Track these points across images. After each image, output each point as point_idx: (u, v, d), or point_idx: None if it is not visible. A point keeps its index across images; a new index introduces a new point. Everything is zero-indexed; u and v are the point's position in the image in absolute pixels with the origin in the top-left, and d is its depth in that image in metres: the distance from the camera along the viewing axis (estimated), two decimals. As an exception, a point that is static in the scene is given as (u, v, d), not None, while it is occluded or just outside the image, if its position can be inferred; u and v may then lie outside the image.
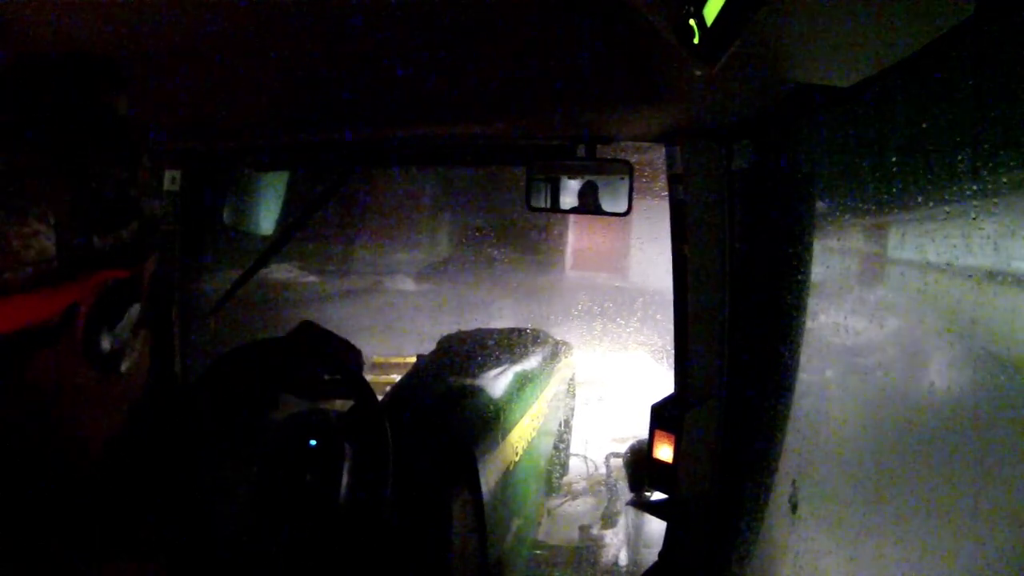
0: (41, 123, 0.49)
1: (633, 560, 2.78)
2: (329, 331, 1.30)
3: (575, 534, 3.36)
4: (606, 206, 1.40)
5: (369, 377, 1.32)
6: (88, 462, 0.53)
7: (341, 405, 1.31)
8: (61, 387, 0.49)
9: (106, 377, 0.52)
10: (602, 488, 3.96)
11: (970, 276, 0.65)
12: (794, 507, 1.05)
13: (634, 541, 2.75)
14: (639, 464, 1.51)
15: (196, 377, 1.40)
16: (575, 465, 4.27)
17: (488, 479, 1.98)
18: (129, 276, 0.52)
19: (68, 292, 0.49)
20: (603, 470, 4.02)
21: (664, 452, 1.35)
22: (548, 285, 9.71)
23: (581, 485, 4.14)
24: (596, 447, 4.37)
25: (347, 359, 1.30)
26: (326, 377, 1.30)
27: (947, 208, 0.69)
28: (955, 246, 0.67)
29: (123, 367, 0.53)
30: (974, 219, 0.64)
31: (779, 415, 1.14)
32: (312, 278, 9.70)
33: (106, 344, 0.50)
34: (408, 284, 10.48)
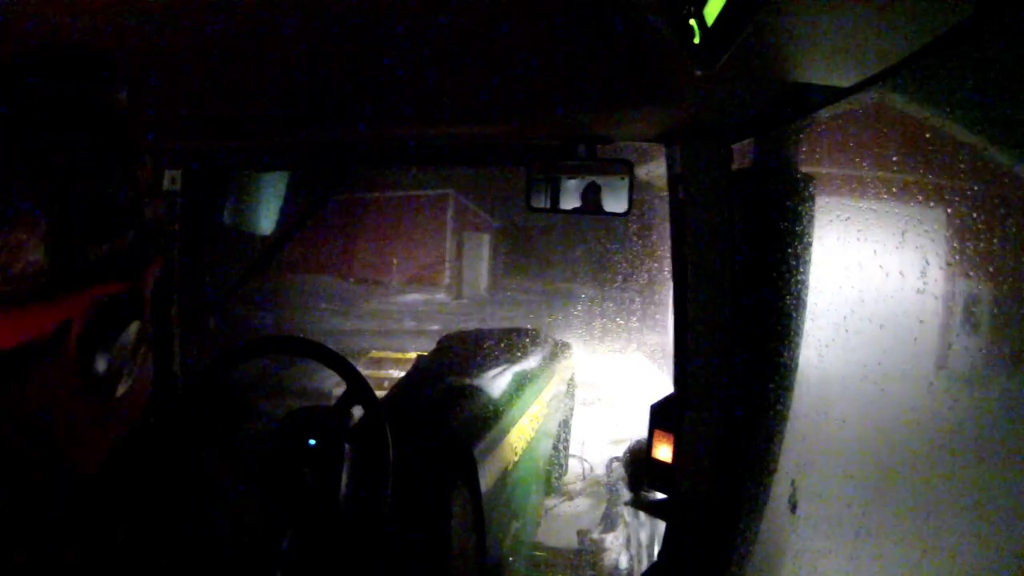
0: (28, 122, 0.44)
1: (633, 564, 2.78)
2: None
3: (574, 536, 3.35)
4: (607, 206, 1.40)
5: (366, 372, 1.34)
6: (83, 489, 0.49)
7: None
8: (54, 410, 0.45)
9: (102, 400, 0.47)
10: (600, 489, 3.96)
11: (970, 276, 0.65)
12: (794, 507, 1.05)
13: (634, 545, 2.75)
14: (638, 464, 1.51)
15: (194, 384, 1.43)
16: (572, 466, 4.27)
17: (487, 479, 1.98)
18: (128, 289, 0.48)
19: (60, 308, 0.44)
20: (600, 471, 4.02)
21: (663, 452, 1.35)
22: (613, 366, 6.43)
23: (578, 486, 4.14)
24: (593, 449, 4.37)
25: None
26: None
27: (947, 208, 0.69)
28: (955, 246, 0.67)
29: (119, 391, 0.48)
30: (974, 219, 0.64)
31: (779, 415, 1.14)
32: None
33: (101, 366, 0.46)
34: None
